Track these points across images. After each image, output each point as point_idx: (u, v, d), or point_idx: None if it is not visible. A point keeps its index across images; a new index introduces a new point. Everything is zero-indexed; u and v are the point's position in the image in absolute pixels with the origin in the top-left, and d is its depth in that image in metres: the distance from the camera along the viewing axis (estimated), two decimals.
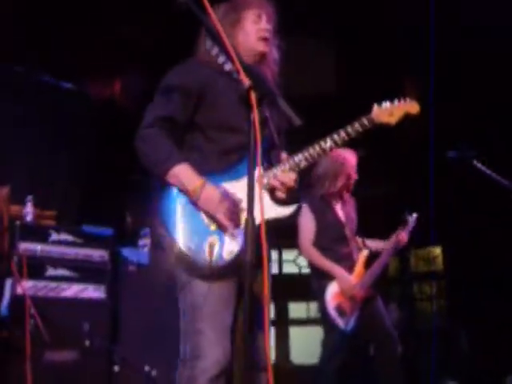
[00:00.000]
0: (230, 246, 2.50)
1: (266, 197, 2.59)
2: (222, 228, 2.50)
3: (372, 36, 6.48)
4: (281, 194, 2.63)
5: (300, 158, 2.64)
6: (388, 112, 2.80)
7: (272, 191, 2.63)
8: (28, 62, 6.49)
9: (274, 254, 9.32)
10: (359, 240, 4.94)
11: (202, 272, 2.49)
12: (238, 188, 2.55)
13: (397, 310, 7.85)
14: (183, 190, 2.52)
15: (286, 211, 2.61)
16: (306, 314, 4.86)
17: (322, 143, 2.66)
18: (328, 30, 6.84)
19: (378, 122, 2.78)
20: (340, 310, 4.56)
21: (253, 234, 1.95)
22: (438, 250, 9.25)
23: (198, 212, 2.53)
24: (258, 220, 2.06)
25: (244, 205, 2.47)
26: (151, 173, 2.59)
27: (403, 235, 4.82)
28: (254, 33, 2.79)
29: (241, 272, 2.46)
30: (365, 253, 4.76)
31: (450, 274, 8.86)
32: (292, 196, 2.65)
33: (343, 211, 4.86)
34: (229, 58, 2.15)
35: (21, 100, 6.44)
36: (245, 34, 2.78)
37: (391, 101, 2.84)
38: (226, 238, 2.51)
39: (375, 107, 2.81)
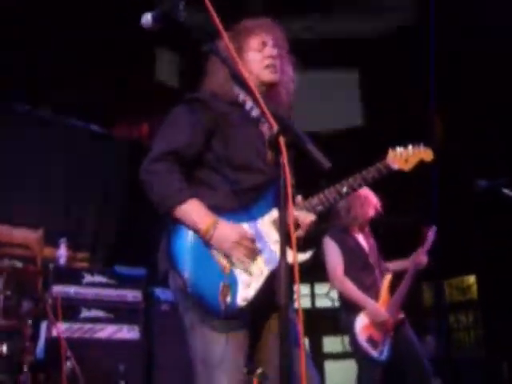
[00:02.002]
0: (244, 293, 2.34)
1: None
2: (238, 266, 2.36)
3: (396, 69, 6.50)
4: (299, 233, 2.49)
5: (316, 202, 2.56)
6: (404, 158, 2.79)
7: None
8: (56, 104, 6.62)
9: (307, 289, 9.27)
10: (385, 265, 4.92)
11: (216, 320, 2.33)
12: (252, 229, 2.43)
13: (433, 341, 7.71)
14: (193, 228, 2.36)
15: (302, 257, 2.45)
16: (341, 347, 4.80)
17: (339, 187, 2.60)
18: (353, 65, 6.88)
19: (394, 169, 2.76)
20: (372, 341, 4.50)
21: (286, 277, 1.90)
22: (471, 279, 9.11)
23: (210, 253, 2.37)
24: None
25: (259, 245, 2.39)
26: (158, 208, 2.40)
27: (422, 254, 4.79)
28: (258, 62, 2.63)
29: (255, 318, 2.41)
30: (388, 277, 4.74)
31: (486, 302, 8.71)
32: (307, 242, 2.56)
33: (365, 241, 4.86)
34: (256, 103, 2.13)
35: (51, 144, 6.57)
36: (249, 66, 2.61)
37: (405, 146, 2.84)
38: (240, 284, 2.34)
39: (390, 152, 2.80)
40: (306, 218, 2.50)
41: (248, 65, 2.62)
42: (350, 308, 4.64)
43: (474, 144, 7.02)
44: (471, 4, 5.88)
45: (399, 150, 2.83)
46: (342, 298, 4.73)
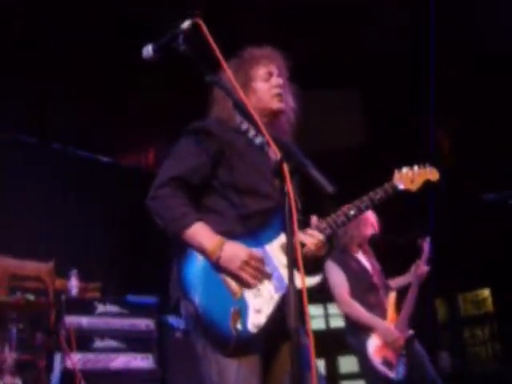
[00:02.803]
0: (255, 319, 2.32)
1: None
2: (247, 287, 2.34)
3: (396, 87, 6.52)
4: (310, 252, 2.49)
5: (324, 226, 2.56)
6: (410, 179, 2.82)
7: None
8: (63, 137, 6.68)
9: (320, 309, 9.21)
10: (388, 283, 4.89)
11: (228, 348, 2.31)
12: (261, 253, 2.41)
13: (448, 357, 7.65)
14: (200, 250, 2.35)
15: (312, 281, 2.45)
16: (357, 367, 4.77)
17: (346, 210, 2.62)
18: (353, 83, 6.89)
19: (400, 189, 2.78)
20: (387, 363, 4.46)
21: (296, 301, 1.91)
22: (486, 292, 9.05)
23: (220, 278, 2.35)
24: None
25: (268, 269, 2.39)
26: (165, 233, 2.41)
27: (422, 265, 4.76)
28: (266, 92, 2.69)
29: (267, 343, 2.38)
30: (393, 295, 4.71)
31: (501, 315, 8.64)
32: (316, 264, 2.56)
33: (367, 261, 4.83)
34: (259, 131, 2.16)
35: (59, 176, 6.61)
36: (257, 95, 2.68)
37: (411, 166, 2.86)
38: (251, 310, 2.32)
39: (396, 173, 2.83)
40: (316, 238, 2.51)
41: (256, 93, 2.69)
42: (358, 331, 4.58)
43: (480, 156, 7.02)
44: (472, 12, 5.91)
45: (405, 170, 2.84)
46: (349, 320, 4.68)
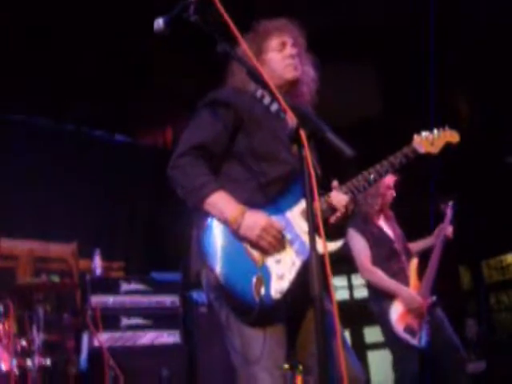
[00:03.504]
0: (277, 285, 2.32)
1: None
2: (266, 254, 2.35)
3: (412, 58, 6.43)
4: (335, 218, 2.50)
5: (345, 191, 2.55)
6: (429, 142, 2.78)
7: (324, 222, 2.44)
8: (79, 117, 6.70)
9: (344, 280, 9.22)
10: (410, 249, 4.86)
11: (251, 316, 2.29)
12: (282, 221, 2.41)
13: (475, 324, 7.62)
14: (222, 219, 2.36)
15: (333, 246, 2.46)
16: (382, 337, 4.77)
17: (366, 175, 2.60)
18: (368, 55, 6.82)
19: (421, 152, 2.74)
20: (410, 330, 4.45)
21: (318, 268, 1.90)
22: (510, 258, 8.99)
23: (242, 246, 2.36)
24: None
25: (290, 236, 2.39)
26: (187, 202, 2.42)
27: (446, 227, 4.73)
28: (279, 62, 2.67)
29: (290, 310, 2.38)
30: (415, 261, 4.68)
31: None
32: (338, 230, 2.55)
33: (388, 227, 4.80)
34: (274, 97, 2.14)
35: (78, 157, 6.64)
36: (271, 66, 2.66)
37: (430, 130, 2.82)
38: (274, 276, 2.33)
39: (415, 137, 2.78)
40: (342, 199, 2.50)
41: (269, 64, 2.67)
42: (381, 298, 4.57)
43: (501, 120, 6.93)
44: None
45: (424, 133, 2.80)
46: (372, 288, 4.68)
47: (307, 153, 1.86)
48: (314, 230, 1.93)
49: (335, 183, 2.58)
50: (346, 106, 6.82)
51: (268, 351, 2.32)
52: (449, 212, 4.80)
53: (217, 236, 2.39)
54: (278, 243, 2.35)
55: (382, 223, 4.79)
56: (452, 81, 6.43)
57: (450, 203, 4.82)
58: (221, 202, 2.37)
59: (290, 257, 2.37)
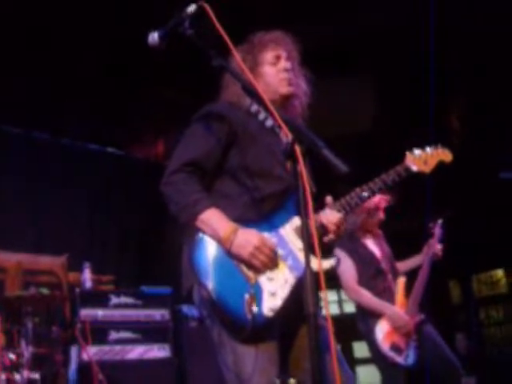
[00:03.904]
0: (270, 303, 2.30)
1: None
2: (258, 273, 2.32)
3: (408, 73, 6.46)
4: (328, 238, 2.48)
5: (338, 208, 2.54)
6: (422, 160, 2.76)
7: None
8: (73, 133, 6.68)
9: (334, 295, 9.22)
10: (397, 268, 4.85)
11: (244, 333, 2.28)
12: (275, 238, 2.39)
13: (464, 339, 7.62)
14: (214, 236, 2.34)
15: (326, 264, 2.40)
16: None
17: (359, 192, 2.59)
18: (365, 69, 6.83)
19: (414, 171, 2.73)
20: (396, 348, 4.43)
21: (312, 285, 1.90)
22: (500, 273, 9.02)
23: (234, 263, 2.34)
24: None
25: (283, 253, 2.37)
26: (179, 218, 2.40)
27: (435, 245, 4.72)
28: (273, 76, 2.66)
29: (283, 327, 2.36)
30: (402, 280, 4.66)
31: None
32: (327, 248, 2.53)
33: (375, 246, 4.79)
34: (269, 113, 2.12)
35: (71, 170, 6.62)
36: (265, 79, 2.65)
37: (423, 148, 2.81)
38: (266, 294, 2.31)
39: (408, 155, 2.77)
40: (334, 218, 2.49)
41: (264, 78, 2.66)
42: (367, 317, 4.56)
43: (496, 136, 6.97)
44: None
45: (417, 151, 2.79)
46: (359, 306, 4.68)
47: (302, 169, 1.86)
48: (308, 247, 1.92)
49: (329, 199, 2.56)
50: (340, 119, 6.83)
51: (260, 368, 2.30)
52: (437, 231, 4.79)
53: (209, 252, 2.37)
54: (271, 261, 2.33)
55: (369, 242, 4.78)
56: (449, 96, 6.46)
57: (439, 222, 4.82)
58: (213, 219, 2.35)
59: (282, 274, 2.36)
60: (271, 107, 2.06)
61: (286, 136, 1.98)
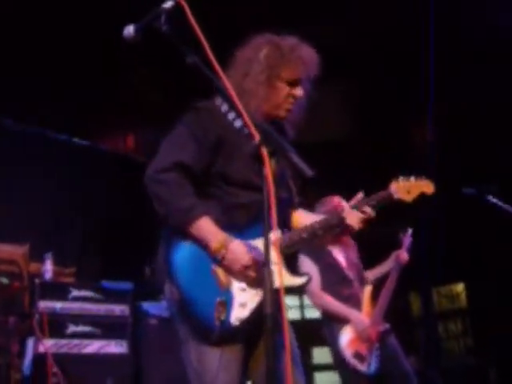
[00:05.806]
0: (238, 312, 2.33)
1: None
2: (237, 287, 2.36)
3: (380, 80, 6.52)
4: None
5: (317, 227, 2.56)
6: (406, 189, 2.83)
7: (288, 259, 2.49)
8: (41, 121, 6.59)
9: (295, 300, 9.24)
10: (365, 276, 4.88)
11: (210, 338, 2.30)
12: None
13: (416, 362, 7.61)
14: (203, 245, 2.34)
15: (297, 281, 2.44)
16: (330, 358, 4.77)
17: (340, 214, 2.62)
18: (336, 77, 6.88)
19: (396, 199, 2.80)
20: (359, 356, 4.47)
21: (272, 289, 1.90)
22: (460, 287, 9.14)
23: (209, 267, 2.35)
24: (275, 284, 2.04)
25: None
26: (167, 219, 2.38)
27: (402, 253, 4.76)
28: (283, 96, 2.57)
29: (248, 333, 2.39)
30: (368, 289, 4.71)
31: (475, 310, 8.73)
32: (293, 255, 2.56)
33: (343, 254, 4.82)
34: (238, 113, 2.12)
35: (35, 158, 6.52)
36: (275, 93, 2.57)
37: (407, 177, 2.87)
38: (236, 303, 2.34)
39: (393, 183, 2.83)
40: (354, 217, 2.58)
41: (274, 91, 2.57)
42: (332, 323, 4.60)
43: (462, 151, 7.07)
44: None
45: (402, 181, 2.85)
46: (324, 313, 4.70)
47: (268, 172, 1.86)
48: (268, 250, 1.94)
49: (359, 195, 2.68)
50: (319, 127, 6.87)
51: (224, 367, 2.32)
52: (406, 240, 4.83)
53: (185, 253, 2.38)
54: (254, 282, 2.35)
55: (336, 250, 4.81)
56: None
57: (409, 231, 4.87)
58: (206, 228, 2.35)
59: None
60: (240, 107, 2.06)
61: (253, 137, 1.98)
